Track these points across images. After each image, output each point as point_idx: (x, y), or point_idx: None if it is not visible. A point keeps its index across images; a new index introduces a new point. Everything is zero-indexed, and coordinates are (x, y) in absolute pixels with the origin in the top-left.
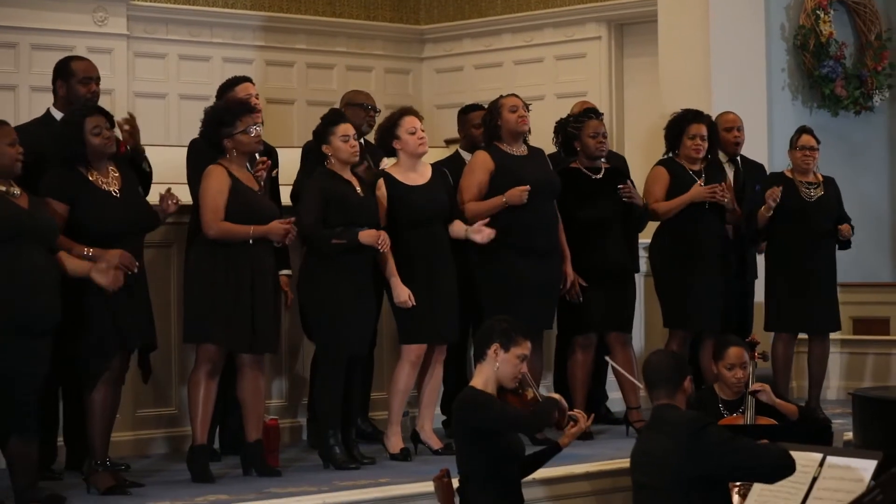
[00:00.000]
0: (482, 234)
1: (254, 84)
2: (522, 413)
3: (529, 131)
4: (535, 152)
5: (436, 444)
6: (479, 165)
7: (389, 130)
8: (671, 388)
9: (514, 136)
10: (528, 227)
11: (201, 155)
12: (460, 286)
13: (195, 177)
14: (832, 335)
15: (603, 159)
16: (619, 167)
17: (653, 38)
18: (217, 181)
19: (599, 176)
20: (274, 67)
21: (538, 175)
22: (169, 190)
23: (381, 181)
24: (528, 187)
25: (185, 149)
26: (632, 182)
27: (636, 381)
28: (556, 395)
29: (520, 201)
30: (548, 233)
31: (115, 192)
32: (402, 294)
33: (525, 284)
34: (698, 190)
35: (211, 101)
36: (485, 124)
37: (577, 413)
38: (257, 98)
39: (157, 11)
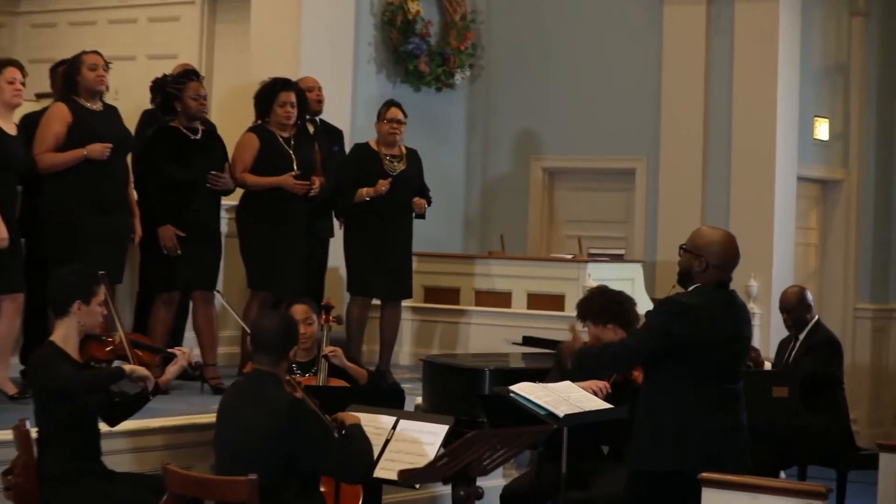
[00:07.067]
0: None
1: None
2: (83, 376)
3: (107, 89)
4: (110, 109)
5: (10, 390)
6: (57, 118)
7: None
8: (276, 356)
9: (91, 93)
10: (101, 181)
11: None
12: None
13: None
14: (404, 302)
15: (200, 121)
16: (212, 130)
17: (245, 5)
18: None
19: (197, 137)
20: None
21: (115, 132)
22: None
23: None
24: (110, 145)
25: None
26: (229, 165)
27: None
28: (179, 350)
29: (101, 156)
30: (119, 187)
31: None
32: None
33: (96, 236)
34: (289, 182)
35: None
36: (64, 78)
37: (178, 350)
38: None
39: None
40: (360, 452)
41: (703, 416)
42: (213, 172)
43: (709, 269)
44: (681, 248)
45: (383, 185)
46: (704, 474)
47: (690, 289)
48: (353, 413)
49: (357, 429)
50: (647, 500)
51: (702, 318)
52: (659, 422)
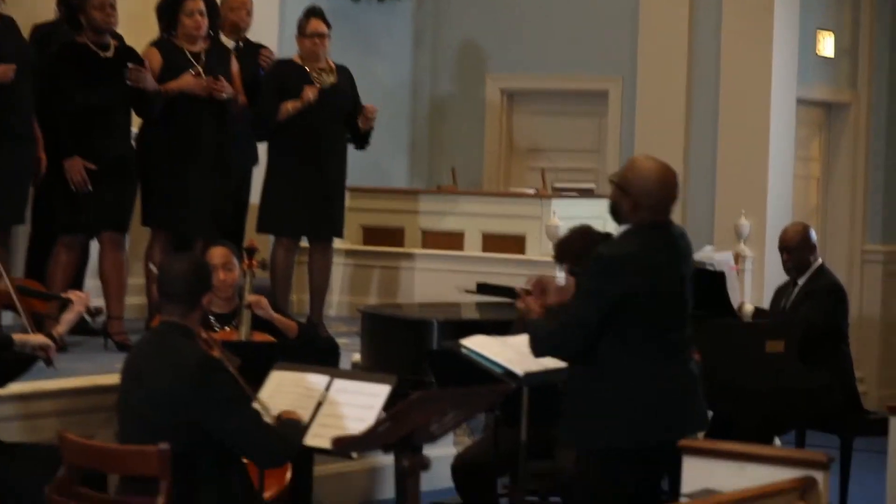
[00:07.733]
0: None
1: None
2: None
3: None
4: (6, 21)
5: None
6: None
7: None
8: (186, 306)
9: None
10: (4, 108)
11: None
12: None
13: None
14: (338, 244)
15: (111, 35)
16: (127, 46)
17: None
18: None
19: (109, 54)
20: None
21: (17, 50)
22: None
23: None
24: (14, 66)
25: None
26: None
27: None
28: (74, 294)
29: (5, 79)
30: (25, 115)
31: None
32: None
33: (1, 172)
34: (189, 82)
35: None
36: None
37: (72, 294)
38: None
39: None
40: (283, 437)
41: (651, 377)
42: (132, 65)
43: (638, 209)
44: (610, 180)
45: (311, 93)
46: (685, 441)
47: (620, 232)
48: (298, 413)
49: (294, 421)
50: (608, 482)
51: (638, 269)
52: (604, 391)
